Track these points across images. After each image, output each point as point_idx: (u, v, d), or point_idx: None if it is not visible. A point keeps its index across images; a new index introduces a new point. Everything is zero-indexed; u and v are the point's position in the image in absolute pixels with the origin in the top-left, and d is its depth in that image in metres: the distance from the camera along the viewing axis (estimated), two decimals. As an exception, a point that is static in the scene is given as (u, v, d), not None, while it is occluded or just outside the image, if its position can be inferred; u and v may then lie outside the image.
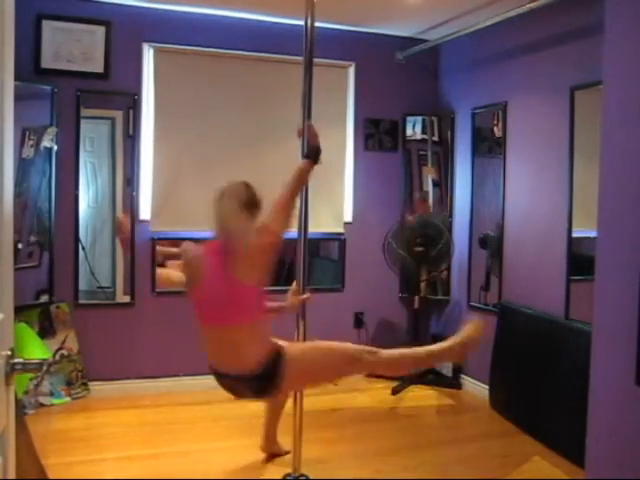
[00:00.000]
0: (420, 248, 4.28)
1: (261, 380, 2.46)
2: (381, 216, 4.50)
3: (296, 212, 2.68)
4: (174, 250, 2.90)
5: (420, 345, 4.47)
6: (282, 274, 4.44)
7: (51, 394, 3.76)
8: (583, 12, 3.29)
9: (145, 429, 3.46)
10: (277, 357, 2.48)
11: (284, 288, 4.25)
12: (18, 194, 3.61)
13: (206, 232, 4.20)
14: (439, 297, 4.58)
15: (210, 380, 4.16)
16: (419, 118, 4.57)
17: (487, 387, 3.96)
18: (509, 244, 3.94)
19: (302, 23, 2.66)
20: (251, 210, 2.62)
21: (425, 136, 4.57)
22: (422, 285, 4.51)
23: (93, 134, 3.99)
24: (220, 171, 4.16)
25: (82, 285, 3.96)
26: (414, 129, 4.57)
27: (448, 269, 4.49)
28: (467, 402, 4.10)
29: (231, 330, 2.49)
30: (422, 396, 4.19)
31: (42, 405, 3.69)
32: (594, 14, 2.94)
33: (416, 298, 4.48)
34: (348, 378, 4.10)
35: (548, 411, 3.34)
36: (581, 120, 3.36)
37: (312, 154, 2.67)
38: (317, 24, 2.67)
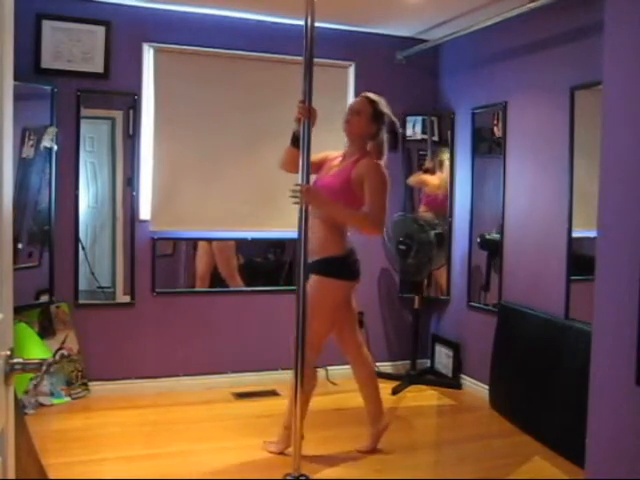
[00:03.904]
0: (403, 247, 4.30)
1: None
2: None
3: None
4: None
5: (418, 347, 4.46)
6: (282, 274, 4.44)
7: (51, 394, 3.76)
8: (583, 12, 3.29)
9: (145, 429, 3.47)
10: None
11: (284, 288, 4.28)
12: (18, 194, 3.61)
13: (206, 232, 4.23)
14: (439, 297, 4.58)
15: (210, 380, 4.19)
16: (419, 118, 4.57)
17: (487, 387, 3.96)
18: (509, 244, 3.94)
19: (302, 23, 2.66)
20: None
21: (425, 136, 4.57)
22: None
23: (93, 134, 3.99)
24: (220, 171, 4.16)
25: (82, 285, 3.96)
26: (414, 129, 4.57)
27: (448, 270, 4.49)
28: (467, 402, 4.10)
29: None
30: (422, 396, 4.19)
31: (42, 405, 3.68)
32: (594, 14, 2.94)
33: (416, 298, 4.49)
34: (347, 378, 4.11)
35: (548, 411, 3.34)
36: (581, 120, 3.36)
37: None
38: (317, 24, 2.67)
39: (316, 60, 2.71)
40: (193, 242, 4.26)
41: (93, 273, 4.01)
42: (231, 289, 4.29)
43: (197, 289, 4.25)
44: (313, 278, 2.95)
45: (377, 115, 3.02)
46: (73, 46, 3.82)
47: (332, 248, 2.99)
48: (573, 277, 3.40)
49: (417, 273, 4.38)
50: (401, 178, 4.58)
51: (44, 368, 1.16)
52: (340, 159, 3.13)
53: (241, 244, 4.36)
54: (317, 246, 2.94)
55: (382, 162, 3.03)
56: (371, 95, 3.06)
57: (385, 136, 3.06)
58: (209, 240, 4.27)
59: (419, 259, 4.30)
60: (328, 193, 2.94)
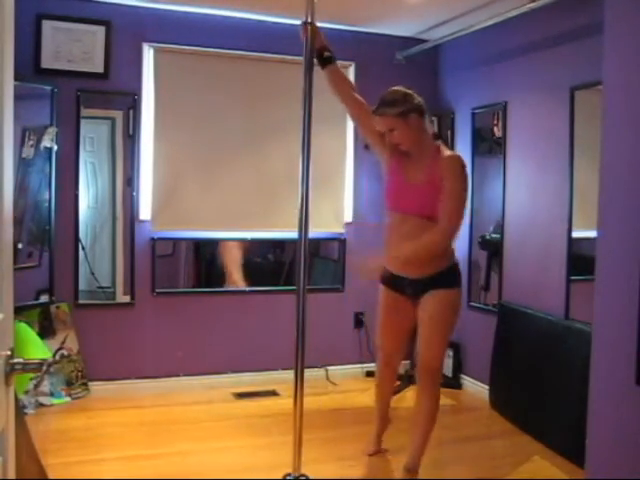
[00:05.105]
0: None
1: None
2: (381, 216, 4.49)
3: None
4: None
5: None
6: (282, 274, 4.44)
7: (51, 394, 3.76)
8: (583, 12, 3.29)
9: (145, 429, 3.47)
10: None
11: (284, 288, 4.28)
12: (18, 194, 3.61)
13: (206, 232, 4.23)
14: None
15: (210, 380, 4.19)
16: (419, 118, 4.56)
17: (487, 387, 3.96)
18: (509, 244, 3.94)
19: (301, 22, 2.65)
20: None
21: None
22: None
23: (93, 134, 3.99)
24: (220, 171, 4.16)
25: (82, 285, 3.96)
26: (414, 129, 4.56)
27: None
28: (467, 402, 4.10)
29: None
30: (422, 396, 4.19)
31: (42, 405, 3.68)
32: (594, 14, 2.94)
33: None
34: (347, 378, 4.11)
35: (548, 411, 3.34)
36: (581, 120, 3.36)
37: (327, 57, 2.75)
38: (317, 24, 2.67)
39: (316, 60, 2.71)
40: (193, 242, 4.27)
41: (93, 273, 4.01)
42: (231, 289, 4.29)
43: (197, 289, 4.25)
44: (437, 293, 2.68)
45: (411, 112, 2.65)
46: (73, 46, 3.82)
47: (445, 259, 2.72)
48: (573, 277, 3.40)
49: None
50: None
51: (44, 368, 1.16)
52: (409, 157, 2.74)
53: (241, 244, 4.36)
54: (426, 262, 2.67)
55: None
56: (389, 99, 2.70)
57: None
58: (209, 240, 4.28)
59: None
60: (428, 210, 2.63)
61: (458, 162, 2.66)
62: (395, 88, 2.72)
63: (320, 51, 2.69)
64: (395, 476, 2.98)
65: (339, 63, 4.34)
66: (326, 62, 2.75)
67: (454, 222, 2.61)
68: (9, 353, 1.14)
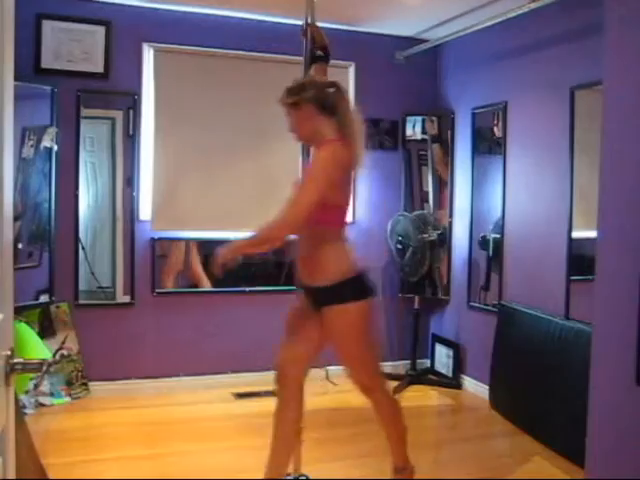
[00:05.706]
0: (400, 246, 4.31)
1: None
2: (381, 216, 4.50)
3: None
4: None
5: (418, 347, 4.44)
6: (282, 274, 4.44)
7: (51, 394, 3.76)
8: (583, 12, 3.29)
9: (145, 429, 3.47)
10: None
11: (284, 288, 4.28)
12: (18, 194, 3.61)
13: (206, 232, 4.23)
14: (439, 297, 4.58)
15: (210, 380, 4.19)
16: (419, 118, 4.57)
17: (487, 387, 3.96)
18: (509, 244, 3.94)
19: (302, 23, 2.66)
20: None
21: (425, 136, 4.57)
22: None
23: (93, 134, 3.99)
24: (220, 171, 4.16)
25: (82, 285, 3.96)
26: (414, 129, 4.57)
27: (448, 270, 4.49)
28: (467, 402, 4.10)
29: None
30: (422, 396, 4.19)
31: (42, 405, 3.69)
32: (594, 14, 2.94)
33: (416, 298, 4.48)
34: (347, 378, 4.09)
35: (548, 411, 3.34)
36: (581, 120, 3.36)
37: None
38: (317, 24, 2.67)
39: (316, 60, 2.71)
40: (193, 242, 4.26)
41: (93, 273, 4.01)
42: (231, 289, 4.29)
43: (197, 289, 4.25)
44: (331, 311, 2.42)
45: (304, 102, 2.53)
46: (73, 46, 3.82)
47: (339, 269, 2.42)
48: (573, 277, 3.40)
49: (412, 273, 4.39)
50: (401, 178, 4.58)
51: (44, 368, 1.16)
52: None
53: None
54: (319, 271, 2.43)
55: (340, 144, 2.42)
56: (290, 86, 2.61)
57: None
58: (209, 240, 4.27)
59: (415, 259, 4.31)
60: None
61: (323, 151, 2.41)
62: (304, 76, 2.65)
63: (315, 49, 2.71)
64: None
65: (339, 63, 4.38)
66: (316, 60, 2.75)
67: (293, 211, 2.35)
68: (9, 353, 1.14)
